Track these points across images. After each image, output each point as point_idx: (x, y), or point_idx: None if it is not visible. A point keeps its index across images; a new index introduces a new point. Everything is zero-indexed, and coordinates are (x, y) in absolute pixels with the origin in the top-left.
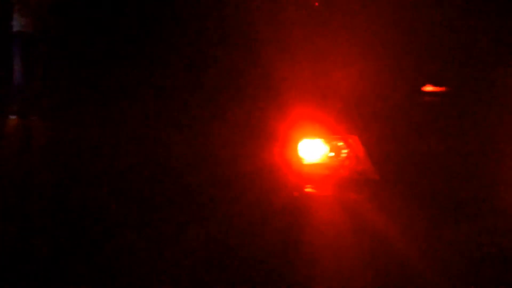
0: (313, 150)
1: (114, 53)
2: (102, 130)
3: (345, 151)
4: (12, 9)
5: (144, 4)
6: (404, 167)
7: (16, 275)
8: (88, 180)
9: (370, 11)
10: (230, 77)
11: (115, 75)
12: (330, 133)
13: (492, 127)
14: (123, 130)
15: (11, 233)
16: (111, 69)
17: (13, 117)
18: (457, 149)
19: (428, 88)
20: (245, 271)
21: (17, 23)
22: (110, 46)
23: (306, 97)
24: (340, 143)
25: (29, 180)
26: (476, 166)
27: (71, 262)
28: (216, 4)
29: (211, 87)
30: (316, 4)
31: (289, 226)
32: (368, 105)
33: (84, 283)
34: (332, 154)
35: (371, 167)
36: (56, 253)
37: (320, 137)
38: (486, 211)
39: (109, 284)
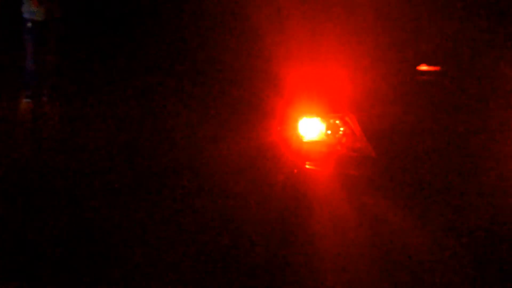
0: (311, 128)
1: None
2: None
3: (342, 129)
4: None
5: None
6: (399, 145)
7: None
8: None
9: None
10: (231, 61)
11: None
12: (327, 111)
13: (485, 107)
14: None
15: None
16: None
17: (27, 100)
18: (451, 127)
19: (423, 67)
20: (246, 243)
21: (27, 10)
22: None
23: (304, 77)
24: (338, 121)
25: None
26: (469, 144)
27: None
28: None
29: (213, 71)
30: None
31: (289, 201)
32: (364, 84)
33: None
34: (330, 132)
35: (367, 145)
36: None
37: (318, 115)
38: (477, 188)
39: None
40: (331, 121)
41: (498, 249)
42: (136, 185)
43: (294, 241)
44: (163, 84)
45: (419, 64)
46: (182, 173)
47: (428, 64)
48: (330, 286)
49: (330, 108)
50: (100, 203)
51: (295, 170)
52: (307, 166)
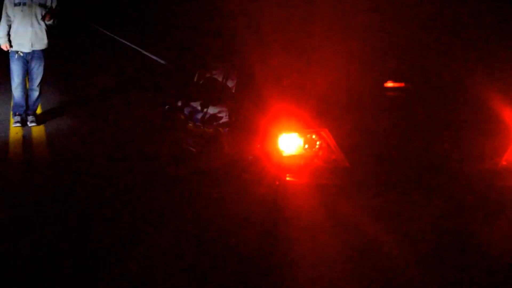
0: (290, 143)
1: None
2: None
3: (319, 143)
4: None
5: None
6: (370, 155)
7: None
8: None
9: (337, 14)
10: (219, 84)
11: None
12: (304, 127)
13: (448, 119)
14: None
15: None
16: None
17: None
18: (416, 137)
19: (389, 84)
20: (231, 252)
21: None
22: None
23: (282, 95)
24: (314, 136)
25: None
26: (432, 150)
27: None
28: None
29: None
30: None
31: (272, 210)
32: (337, 101)
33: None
34: (307, 146)
35: (342, 156)
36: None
37: (296, 131)
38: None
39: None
40: (308, 136)
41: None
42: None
43: (274, 245)
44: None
45: (386, 80)
46: (175, 181)
47: (394, 80)
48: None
49: (306, 124)
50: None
51: (277, 182)
52: (287, 178)
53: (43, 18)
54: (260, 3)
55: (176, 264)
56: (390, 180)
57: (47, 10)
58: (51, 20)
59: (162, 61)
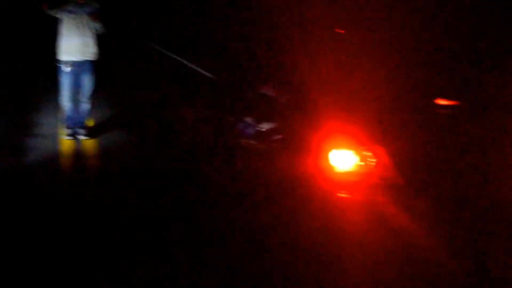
0: (343, 159)
1: None
2: None
3: (372, 160)
4: None
5: None
6: (424, 172)
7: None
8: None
9: (392, 30)
10: (272, 99)
11: None
12: (358, 144)
13: (501, 137)
14: None
15: None
16: None
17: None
18: (469, 157)
19: (442, 102)
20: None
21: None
22: None
23: (335, 112)
24: (368, 153)
25: None
26: (485, 172)
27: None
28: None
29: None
30: (342, 32)
31: (324, 226)
32: (390, 118)
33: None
34: (361, 163)
35: (395, 173)
36: None
37: (349, 148)
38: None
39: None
40: (362, 153)
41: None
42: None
43: (326, 263)
44: None
45: (437, 98)
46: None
47: (447, 98)
48: None
49: (360, 141)
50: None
51: (330, 198)
52: (339, 194)
53: (91, 18)
54: (317, 20)
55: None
56: (442, 196)
57: (95, 12)
58: (98, 23)
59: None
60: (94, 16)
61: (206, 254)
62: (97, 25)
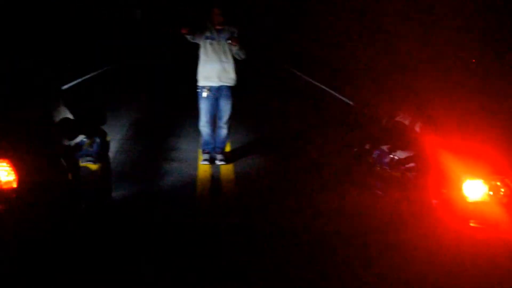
0: (475, 189)
1: None
2: None
3: (503, 190)
4: None
5: None
6: None
7: None
8: None
9: None
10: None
11: None
12: (489, 173)
13: None
14: None
15: None
16: None
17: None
18: None
19: None
20: None
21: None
22: None
23: (467, 141)
24: (499, 183)
25: None
26: None
27: None
28: None
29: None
30: (473, 60)
31: (456, 255)
32: None
33: None
34: (492, 193)
35: None
36: None
37: (481, 178)
38: None
39: None
40: (493, 182)
41: None
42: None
43: None
44: None
45: None
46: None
47: None
48: None
49: (491, 170)
50: None
51: (461, 227)
52: (471, 224)
53: (229, 42)
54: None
55: None
56: None
57: (234, 36)
58: (238, 47)
59: (350, 102)
60: (234, 41)
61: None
62: (239, 52)
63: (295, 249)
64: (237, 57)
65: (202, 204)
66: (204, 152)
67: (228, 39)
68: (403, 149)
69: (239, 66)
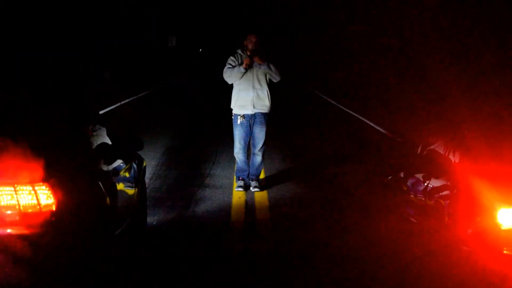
0: (509, 217)
1: None
2: None
3: None
4: None
5: None
6: None
7: None
8: None
9: None
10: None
11: None
12: None
13: None
14: None
15: None
16: None
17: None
18: None
19: None
20: None
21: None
22: None
23: (500, 169)
24: None
25: None
26: None
27: None
28: None
29: None
30: None
31: (488, 282)
32: None
33: None
34: None
35: None
36: None
37: None
38: None
39: None
40: None
41: None
42: None
43: None
44: None
45: None
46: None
47: None
48: None
49: None
50: None
51: (495, 255)
52: (505, 252)
53: (253, 58)
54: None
55: None
56: None
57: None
58: (265, 64)
59: (385, 131)
60: (259, 60)
61: None
62: (272, 72)
63: (329, 280)
64: (273, 79)
65: (236, 231)
66: (238, 179)
67: (253, 56)
68: (437, 177)
69: (275, 93)
